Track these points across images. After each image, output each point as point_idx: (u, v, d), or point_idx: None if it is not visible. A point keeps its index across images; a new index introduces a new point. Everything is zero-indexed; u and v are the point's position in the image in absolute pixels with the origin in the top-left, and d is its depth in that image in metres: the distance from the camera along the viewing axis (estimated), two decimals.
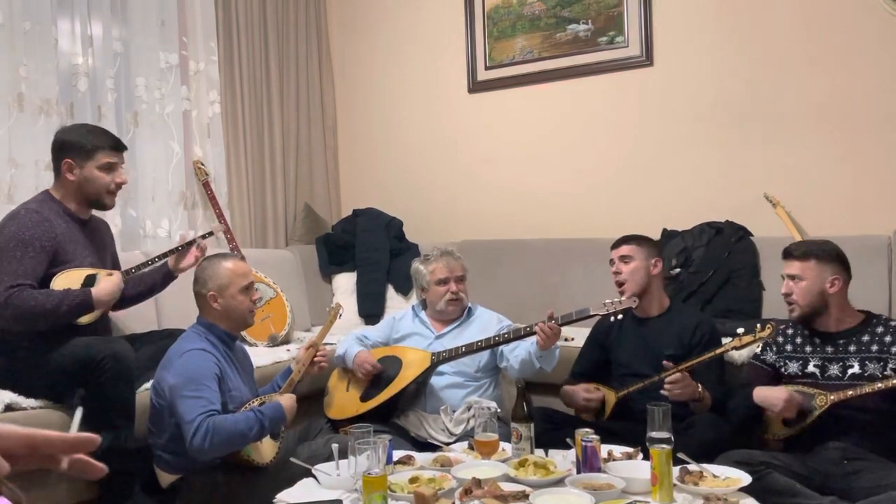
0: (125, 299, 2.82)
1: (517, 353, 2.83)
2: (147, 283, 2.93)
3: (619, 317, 2.66)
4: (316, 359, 2.68)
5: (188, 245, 2.94)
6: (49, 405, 2.50)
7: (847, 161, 3.38)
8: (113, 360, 2.45)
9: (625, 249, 2.84)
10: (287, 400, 2.46)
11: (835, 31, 3.38)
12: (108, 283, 2.63)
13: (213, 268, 2.53)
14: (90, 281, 2.62)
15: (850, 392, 2.33)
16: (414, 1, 4.55)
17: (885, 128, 3.29)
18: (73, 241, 2.65)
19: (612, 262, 2.87)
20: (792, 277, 2.51)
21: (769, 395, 2.43)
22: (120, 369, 2.46)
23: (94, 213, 2.84)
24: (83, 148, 2.67)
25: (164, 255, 2.92)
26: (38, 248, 2.53)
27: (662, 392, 2.53)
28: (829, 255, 2.50)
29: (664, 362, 2.59)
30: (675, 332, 2.78)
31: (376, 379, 2.92)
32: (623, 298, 2.68)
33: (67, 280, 2.58)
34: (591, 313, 2.66)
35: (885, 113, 3.29)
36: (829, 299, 2.48)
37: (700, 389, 2.58)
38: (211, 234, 3.19)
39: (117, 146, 2.74)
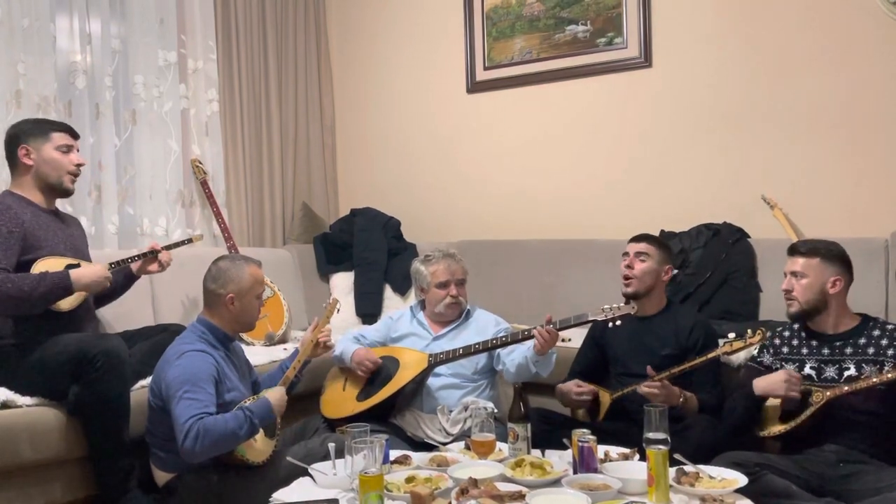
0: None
1: (513, 358, 2.81)
2: (111, 285, 2.89)
3: (618, 323, 2.65)
4: (321, 338, 2.69)
5: (167, 248, 3.01)
6: (44, 402, 2.49)
7: (845, 163, 3.38)
8: (106, 357, 2.45)
9: (643, 247, 2.81)
10: (273, 393, 2.45)
11: (832, 33, 3.38)
12: (89, 267, 2.63)
13: (237, 270, 2.53)
14: (72, 267, 2.61)
15: (847, 387, 2.34)
16: (413, 1, 4.55)
17: (884, 130, 3.30)
18: (41, 228, 2.64)
19: (626, 254, 2.83)
20: (794, 274, 2.52)
21: (769, 383, 2.44)
22: (113, 365, 2.46)
23: (67, 212, 2.83)
24: (37, 131, 2.70)
25: (141, 255, 2.95)
26: (6, 233, 2.51)
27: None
28: (834, 255, 2.51)
29: (647, 369, 2.58)
30: (672, 331, 2.77)
31: (373, 379, 2.92)
32: (622, 304, 2.67)
33: (48, 266, 2.57)
34: (590, 319, 2.66)
35: (883, 115, 3.30)
36: (830, 299, 2.48)
37: (682, 399, 2.57)
38: (190, 240, 3.24)
39: (71, 130, 2.79)
